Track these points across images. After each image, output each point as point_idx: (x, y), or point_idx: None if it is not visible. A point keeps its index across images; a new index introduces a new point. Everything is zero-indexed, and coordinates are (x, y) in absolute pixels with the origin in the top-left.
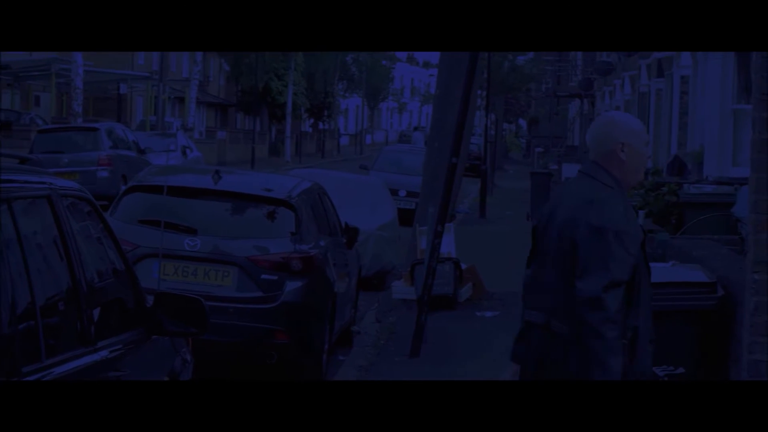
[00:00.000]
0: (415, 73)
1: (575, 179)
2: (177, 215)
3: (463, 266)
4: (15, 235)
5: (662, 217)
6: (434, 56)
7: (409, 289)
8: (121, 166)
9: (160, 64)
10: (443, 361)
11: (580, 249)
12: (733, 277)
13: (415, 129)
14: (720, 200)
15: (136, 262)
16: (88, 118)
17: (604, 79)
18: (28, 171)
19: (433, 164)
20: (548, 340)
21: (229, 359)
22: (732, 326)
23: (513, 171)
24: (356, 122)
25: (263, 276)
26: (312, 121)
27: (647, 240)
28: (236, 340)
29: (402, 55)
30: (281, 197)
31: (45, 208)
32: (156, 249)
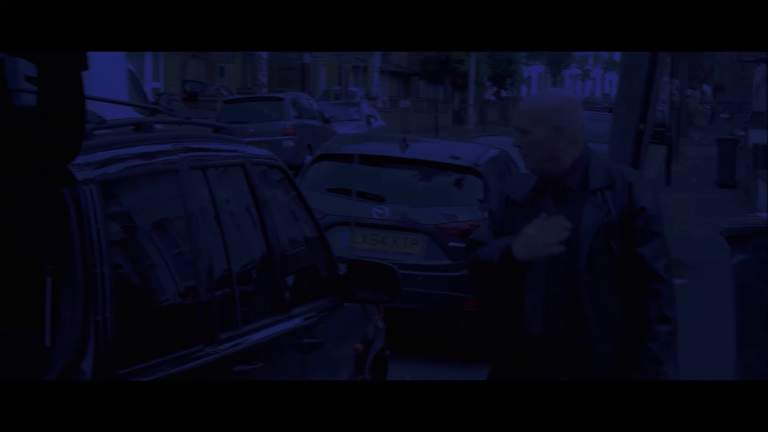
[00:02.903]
0: None
1: None
2: (365, 183)
3: None
4: (210, 202)
5: None
6: None
7: None
8: (306, 136)
9: None
10: None
11: None
12: None
13: None
14: None
15: (325, 230)
16: (273, 88)
17: None
18: (221, 139)
19: (619, 130)
20: None
21: (419, 326)
22: None
23: (698, 137)
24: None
25: (451, 244)
26: (495, 89)
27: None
28: (425, 307)
29: None
30: (468, 165)
31: (239, 175)
32: (345, 217)
